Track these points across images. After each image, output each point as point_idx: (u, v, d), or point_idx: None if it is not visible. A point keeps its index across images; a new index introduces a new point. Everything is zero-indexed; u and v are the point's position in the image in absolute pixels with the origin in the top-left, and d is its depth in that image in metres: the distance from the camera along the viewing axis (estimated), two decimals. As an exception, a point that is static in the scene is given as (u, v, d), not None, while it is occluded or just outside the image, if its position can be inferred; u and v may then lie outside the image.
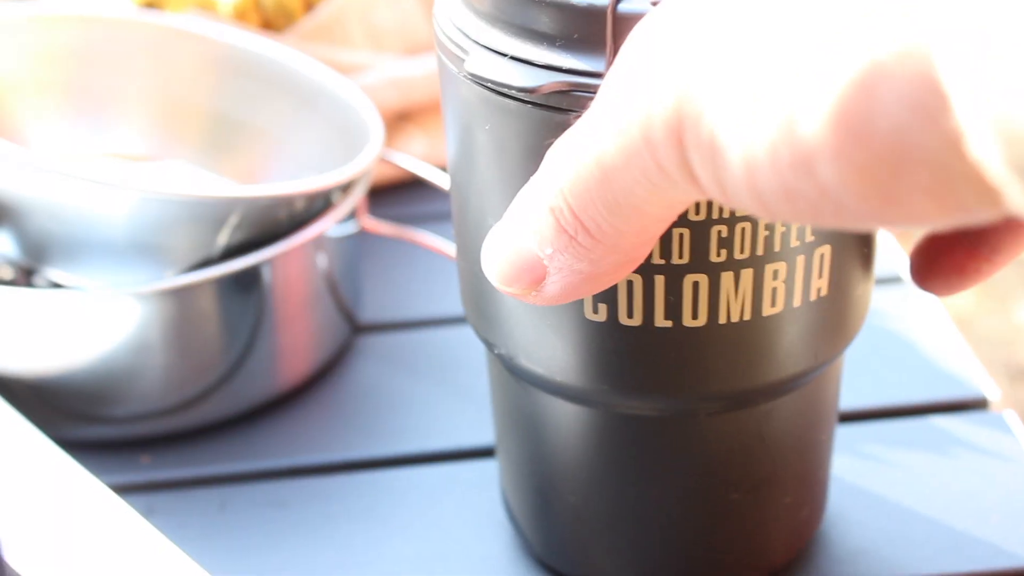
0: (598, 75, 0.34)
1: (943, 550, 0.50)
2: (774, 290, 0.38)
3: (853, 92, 0.23)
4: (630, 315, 0.38)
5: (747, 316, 0.38)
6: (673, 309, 0.38)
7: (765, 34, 0.25)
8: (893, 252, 0.69)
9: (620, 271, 0.31)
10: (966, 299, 1.84)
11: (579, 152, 0.29)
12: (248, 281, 0.56)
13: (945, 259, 0.39)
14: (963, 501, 0.52)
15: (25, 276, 0.61)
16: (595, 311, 0.39)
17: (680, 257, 0.37)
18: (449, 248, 0.63)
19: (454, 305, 0.67)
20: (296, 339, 0.59)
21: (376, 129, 0.63)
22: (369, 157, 0.60)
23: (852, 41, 0.23)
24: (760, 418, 0.42)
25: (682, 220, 0.36)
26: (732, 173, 0.26)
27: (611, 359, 0.39)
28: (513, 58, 0.36)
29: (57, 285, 0.58)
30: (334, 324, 0.61)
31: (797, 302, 0.39)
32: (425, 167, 0.65)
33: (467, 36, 0.37)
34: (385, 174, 0.76)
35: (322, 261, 0.59)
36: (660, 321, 0.38)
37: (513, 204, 0.32)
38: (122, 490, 0.54)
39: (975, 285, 0.39)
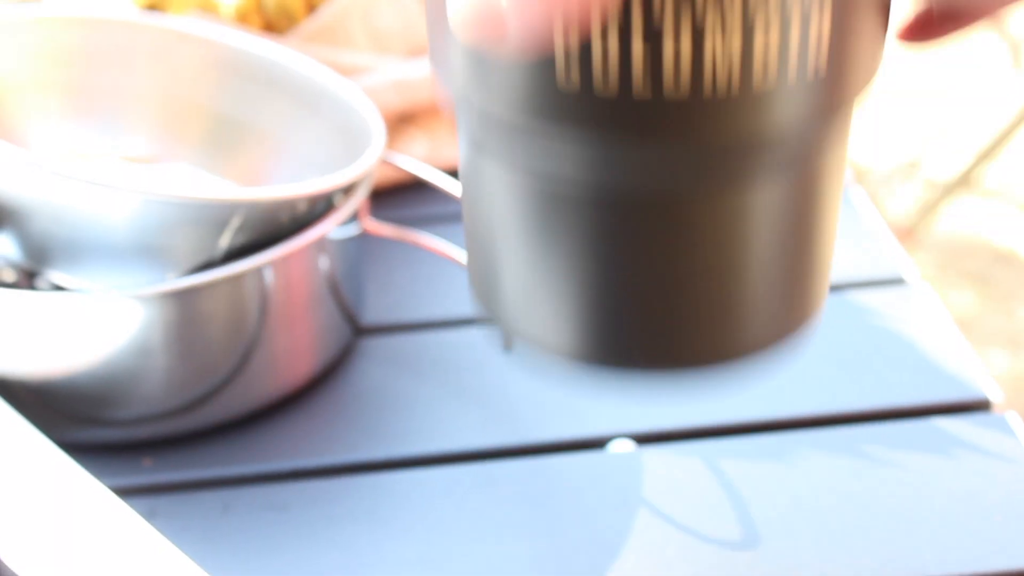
0: None
1: (945, 551, 0.50)
2: (765, 59, 0.35)
3: None
4: (605, 84, 0.35)
5: (735, 88, 0.35)
6: (653, 77, 0.35)
7: None
8: (894, 253, 0.69)
9: (585, 15, 0.28)
10: (968, 300, 1.83)
11: None
12: (250, 283, 0.56)
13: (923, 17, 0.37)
14: (965, 502, 0.52)
15: (27, 278, 0.61)
16: (567, 78, 0.36)
17: (662, 18, 0.34)
18: (452, 250, 0.63)
19: (456, 307, 0.67)
20: (298, 341, 0.59)
21: (378, 131, 0.63)
22: (371, 159, 0.60)
23: None
24: (752, 207, 0.39)
25: None
26: None
27: (586, 129, 0.37)
28: None
29: (59, 287, 0.58)
30: (336, 326, 0.61)
31: (791, 78, 0.36)
32: (427, 169, 0.65)
33: None
34: (387, 176, 0.76)
35: (324, 263, 0.59)
36: (639, 91, 0.35)
37: None
38: (124, 493, 0.54)
39: (943, 38, 0.37)
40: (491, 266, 0.45)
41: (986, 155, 1.87)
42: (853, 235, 0.71)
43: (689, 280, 0.42)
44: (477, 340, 0.64)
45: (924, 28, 0.38)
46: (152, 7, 0.76)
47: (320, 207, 0.58)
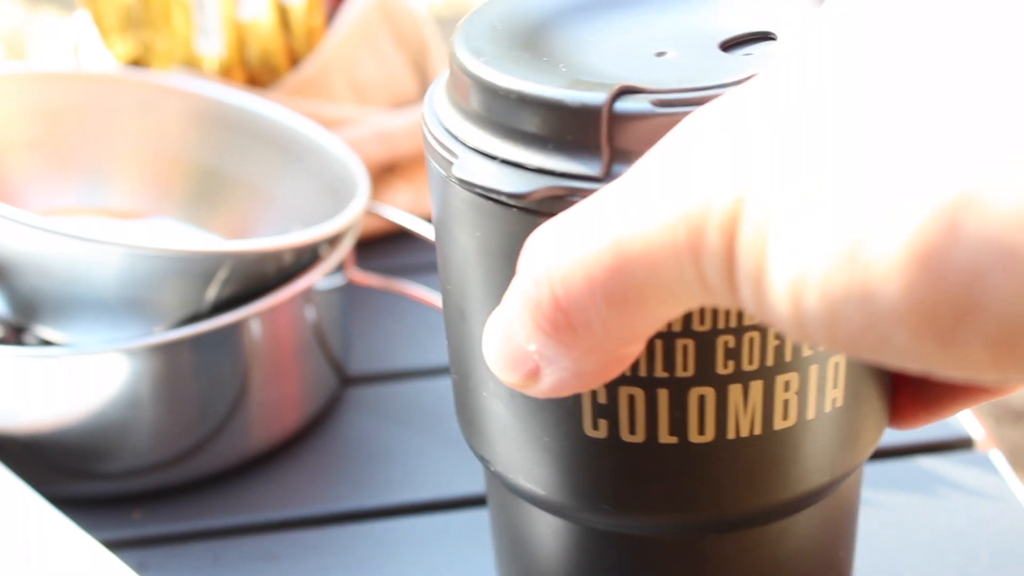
0: (592, 179, 0.32)
1: (933, 590, 0.50)
2: (786, 402, 0.36)
3: (936, 224, 0.21)
4: (632, 431, 0.36)
5: (757, 430, 0.36)
6: (678, 425, 0.35)
7: (833, 139, 0.23)
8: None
9: (608, 372, 0.29)
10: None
11: (584, 238, 0.27)
12: (237, 335, 0.56)
13: (905, 399, 0.38)
14: (950, 541, 0.53)
15: (15, 334, 0.61)
16: (595, 427, 0.36)
17: (684, 369, 0.34)
18: (436, 299, 0.63)
19: (442, 355, 0.67)
20: (286, 392, 0.59)
21: (362, 182, 0.63)
22: (356, 210, 0.61)
23: (942, 163, 0.21)
24: (774, 537, 0.39)
25: (686, 330, 0.34)
26: (775, 291, 0.24)
27: (613, 478, 0.37)
28: (504, 161, 0.34)
29: (47, 342, 0.58)
30: (323, 376, 0.62)
31: (811, 414, 0.36)
32: (411, 219, 0.66)
33: (455, 138, 0.35)
34: (371, 226, 0.77)
35: (310, 314, 0.59)
36: (664, 437, 0.36)
37: (508, 291, 0.30)
38: (114, 546, 0.54)
39: (930, 422, 0.38)
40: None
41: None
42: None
43: None
44: (463, 388, 0.64)
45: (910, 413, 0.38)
46: (135, 62, 0.77)
47: (306, 258, 0.59)
